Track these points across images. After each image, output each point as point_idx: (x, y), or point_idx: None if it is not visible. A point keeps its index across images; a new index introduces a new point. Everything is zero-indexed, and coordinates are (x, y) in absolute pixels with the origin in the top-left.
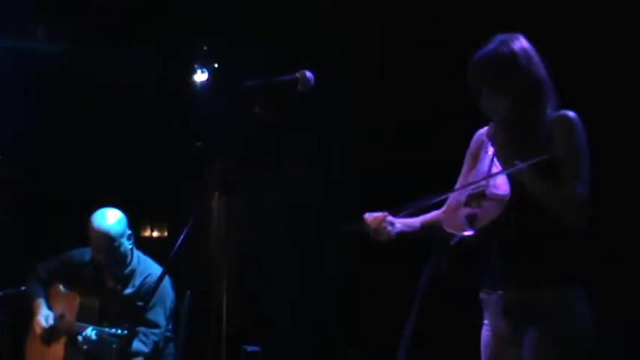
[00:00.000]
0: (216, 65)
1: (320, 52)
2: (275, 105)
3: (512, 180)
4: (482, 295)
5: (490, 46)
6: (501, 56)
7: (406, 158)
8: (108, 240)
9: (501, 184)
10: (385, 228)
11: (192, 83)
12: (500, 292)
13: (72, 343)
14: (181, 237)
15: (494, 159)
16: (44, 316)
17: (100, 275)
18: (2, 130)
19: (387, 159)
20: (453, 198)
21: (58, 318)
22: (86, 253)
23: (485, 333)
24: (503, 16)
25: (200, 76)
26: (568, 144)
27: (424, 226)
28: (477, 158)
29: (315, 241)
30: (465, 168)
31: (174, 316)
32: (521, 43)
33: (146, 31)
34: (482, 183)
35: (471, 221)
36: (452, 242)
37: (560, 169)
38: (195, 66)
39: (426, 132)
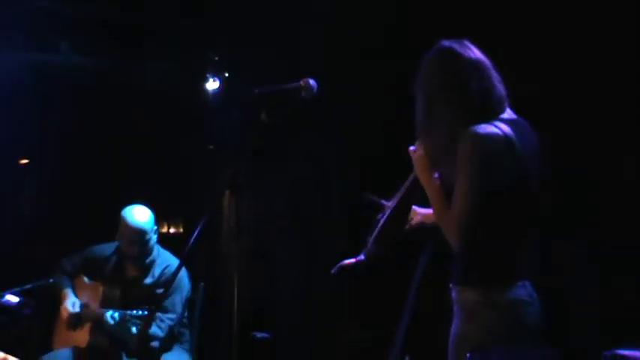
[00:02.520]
0: (226, 74)
1: (324, 58)
2: (280, 110)
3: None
4: None
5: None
6: (422, 68)
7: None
8: (141, 234)
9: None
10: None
11: (205, 91)
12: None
13: (97, 328)
14: (195, 233)
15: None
16: (71, 303)
17: (122, 266)
18: (31, 137)
19: (386, 156)
20: None
21: (84, 306)
22: (106, 248)
23: None
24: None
25: (212, 85)
26: (458, 170)
27: None
28: None
29: (319, 234)
30: None
31: (190, 304)
32: (439, 52)
33: (162, 44)
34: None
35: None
36: (333, 270)
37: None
38: (208, 75)
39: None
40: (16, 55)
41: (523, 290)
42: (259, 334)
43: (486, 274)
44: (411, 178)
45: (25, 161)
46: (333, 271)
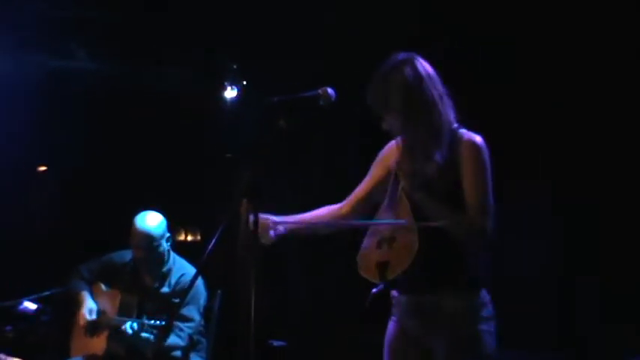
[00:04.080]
0: (244, 82)
1: (342, 65)
2: (298, 118)
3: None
4: (394, 293)
5: (384, 68)
6: (392, 80)
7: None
8: (148, 239)
9: (411, 232)
10: (266, 233)
11: (223, 99)
12: (414, 295)
13: (113, 336)
14: (213, 240)
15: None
16: (88, 310)
17: (139, 274)
18: (48, 144)
19: None
20: (368, 238)
21: (101, 313)
22: (125, 255)
23: (392, 328)
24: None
25: (230, 93)
26: (475, 174)
27: (318, 224)
28: (387, 168)
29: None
30: (371, 173)
31: (206, 313)
32: (414, 66)
33: (180, 51)
34: (389, 224)
35: (381, 270)
36: (367, 302)
37: (466, 197)
38: (226, 83)
39: None
40: (32, 60)
41: None
42: (276, 342)
43: (484, 276)
44: (400, 196)
45: (43, 168)
46: (369, 302)
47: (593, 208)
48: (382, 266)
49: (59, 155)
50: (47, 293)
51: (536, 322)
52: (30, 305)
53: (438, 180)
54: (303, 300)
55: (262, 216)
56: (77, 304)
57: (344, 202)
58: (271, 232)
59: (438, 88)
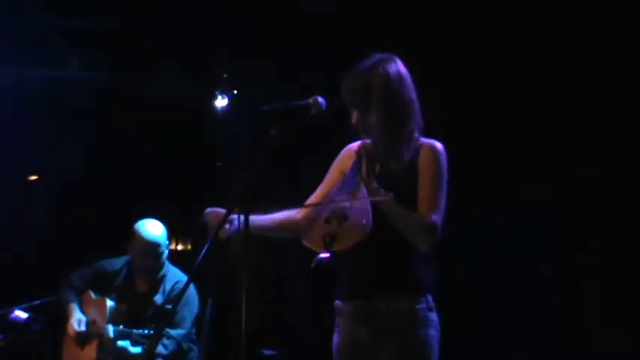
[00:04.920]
0: (235, 91)
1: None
2: (290, 127)
3: (375, 207)
4: (337, 302)
5: (365, 64)
6: (373, 76)
7: None
8: (155, 247)
9: (364, 212)
10: (222, 226)
11: (214, 108)
12: (359, 301)
13: (103, 346)
14: (204, 249)
15: (361, 181)
16: (77, 320)
17: (132, 281)
18: (41, 152)
19: None
20: (314, 210)
21: (90, 323)
22: (115, 263)
23: (338, 338)
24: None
25: (221, 102)
26: (431, 175)
27: (275, 228)
28: (342, 172)
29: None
30: (327, 178)
31: (198, 320)
32: (396, 65)
33: (173, 62)
34: (346, 203)
35: (328, 242)
36: (312, 265)
37: (419, 198)
38: (216, 92)
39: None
40: (27, 69)
41: None
42: (267, 351)
43: (432, 281)
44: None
45: (34, 177)
46: (314, 265)
47: (593, 208)
48: (329, 238)
49: (51, 164)
50: (38, 302)
51: (536, 323)
52: (21, 314)
53: (400, 181)
54: (298, 308)
55: (219, 209)
56: (66, 315)
57: (300, 209)
58: (226, 226)
59: (413, 91)
